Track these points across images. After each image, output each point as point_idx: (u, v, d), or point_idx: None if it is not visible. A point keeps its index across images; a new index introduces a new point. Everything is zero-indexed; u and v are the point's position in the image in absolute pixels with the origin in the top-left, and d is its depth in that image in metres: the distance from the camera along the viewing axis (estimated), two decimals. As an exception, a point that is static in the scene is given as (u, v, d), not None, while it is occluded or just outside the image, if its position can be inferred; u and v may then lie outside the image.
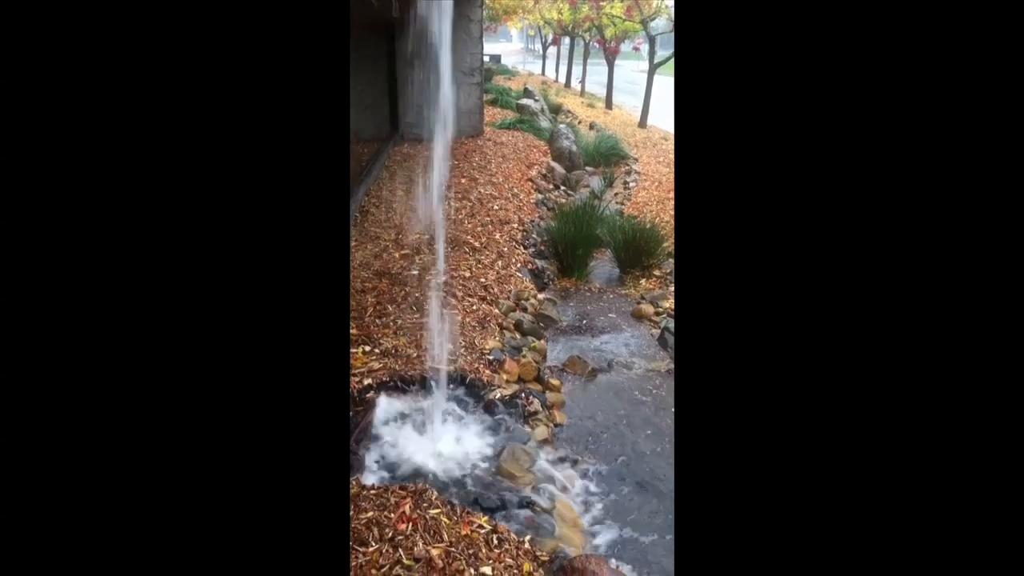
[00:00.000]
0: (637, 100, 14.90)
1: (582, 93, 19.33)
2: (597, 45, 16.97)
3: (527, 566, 2.29)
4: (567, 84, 21.50)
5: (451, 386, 3.46)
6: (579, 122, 13.25)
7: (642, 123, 13.47)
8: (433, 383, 3.40)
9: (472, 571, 2.16)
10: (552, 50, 25.90)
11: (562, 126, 10.73)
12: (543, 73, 25.89)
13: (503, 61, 27.32)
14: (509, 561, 2.28)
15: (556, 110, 13.87)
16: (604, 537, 2.78)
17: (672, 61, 13.13)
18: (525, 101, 11.98)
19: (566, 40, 22.12)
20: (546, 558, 2.36)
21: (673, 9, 13.30)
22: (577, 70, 20.97)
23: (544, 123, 11.15)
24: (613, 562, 2.52)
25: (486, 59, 13.36)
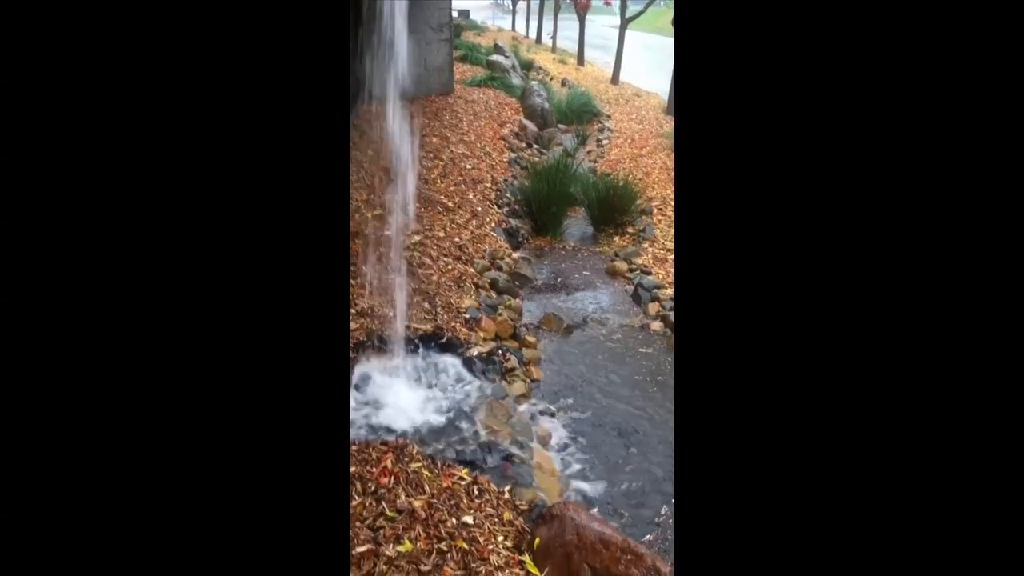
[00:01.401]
0: (609, 56, 14.74)
1: (553, 49, 19.05)
2: (568, 0, 16.68)
3: (507, 515, 2.36)
4: (538, 40, 21.16)
5: (428, 344, 3.49)
6: (551, 79, 13.10)
7: (614, 79, 13.37)
8: (410, 342, 3.43)
9: (454, 520, 2.23)
10: (522, 5, 25.40)
11: (534, 83, 10.61)
12: (513, 29, 25.41)
13: (472, 16, 26.74)
14: (490, 511, 2.35)
15: (527, 67, 13.68)
16: (581, 485, 2.87)
17: (643, 15, 13.00)
18: (496, 58, 11.79)
19: (536, -6, 21.71)
20: (525, 507, 2.44)
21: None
22: (548, 25, 20.62)
23: (516, 80, 11.01)
24: (591, 510, 2.61)
25: (455, 15, 13.08)
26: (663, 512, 2.75)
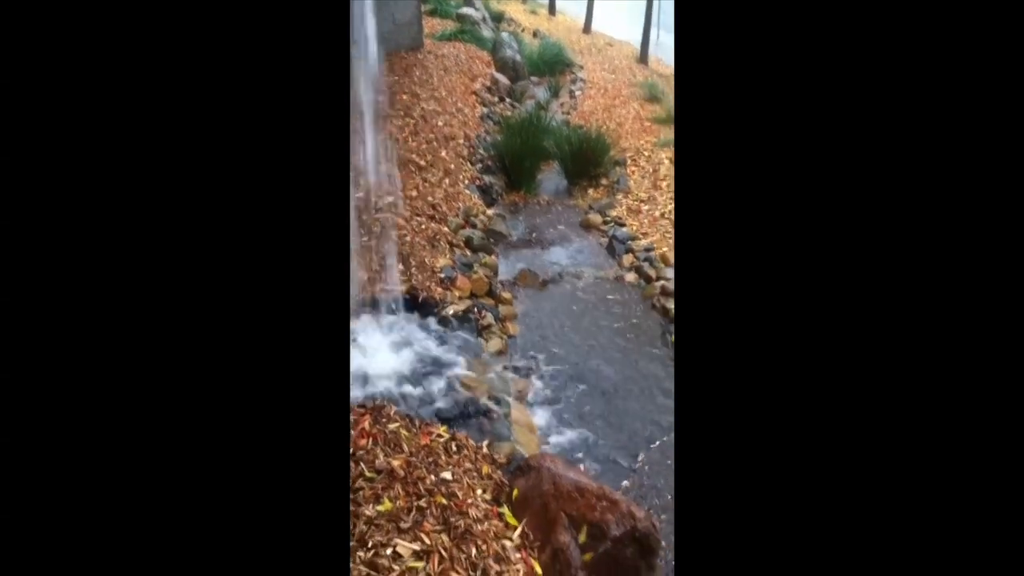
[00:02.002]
0: (580, 5, 14.46)
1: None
2: (537, -54, 16.24)
3: (485, 468, 2.40)
4: (509, -10, 20.68)
5: (404, 305, 3.49)
6: (522, 30, 12.83)
7: (586, 29, 13.13)
8: (386, 303, 3.43)
9: (433, 477, 2.26)
10: (491, -47, 24.73)
11: (505, 35, 10.39)
12: (483, -21, 24.80)
13: (440, -33, 25.98)
14: (468, 466, 2.40)
15: (498, 18, 13.37)
16: (557, 438, 2.92)
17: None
18: (465, 10, 11.50)
19: (505, -58, 21.11)
20: (503, 460, 2.48)
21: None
22: (518, -26, 20.12)
23: (486, 33, 10.77)
24: (567, 460, 2.67)
25: (421, -35, 12.69)
26: (639, 459, 2.82)
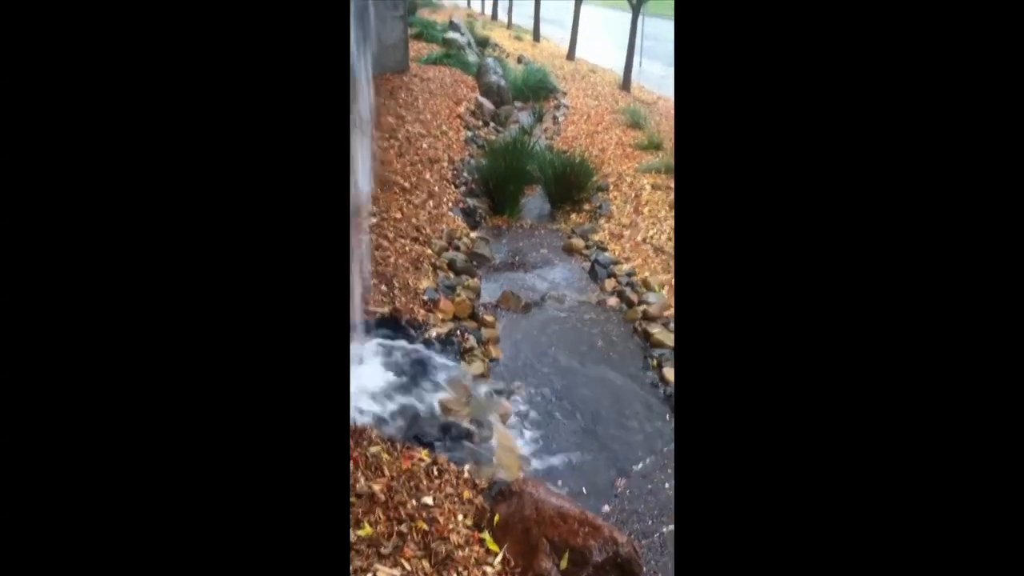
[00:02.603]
0: (564, 32, 14.67)
1: (509, 25, 18.88)
2: (522, -26, 16.50)
3: (467, 493, 2.39)
4: (493, 16, 20.93)
5: (387, 327, 3.48)
6: (507, 55, 13.00)
7: (570, 55, 13.32)
8: (369, 326, 3.42)
9: (414, 502, 2.25)
10: (477, -20, 25.07)
11: (490, 60, 10.51)
12: (468, 5, 25.08)
13: (427, -8, 26.27)
14: (450, 490, 2.38)
15: (483, 43, 13.54)
16: (540, 462, 2.92)
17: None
18: (451, 35, 11.64)
19: (491, -31, 21.44)
20: (485, 485, 2.47)
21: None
22: (503, 2, 20.41)
23: (471, 57, 10.90)
24: (549, 485, 2.66)
25: (408, -10, 12.84)
26: (619, 483, 2.81)
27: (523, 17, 19.25)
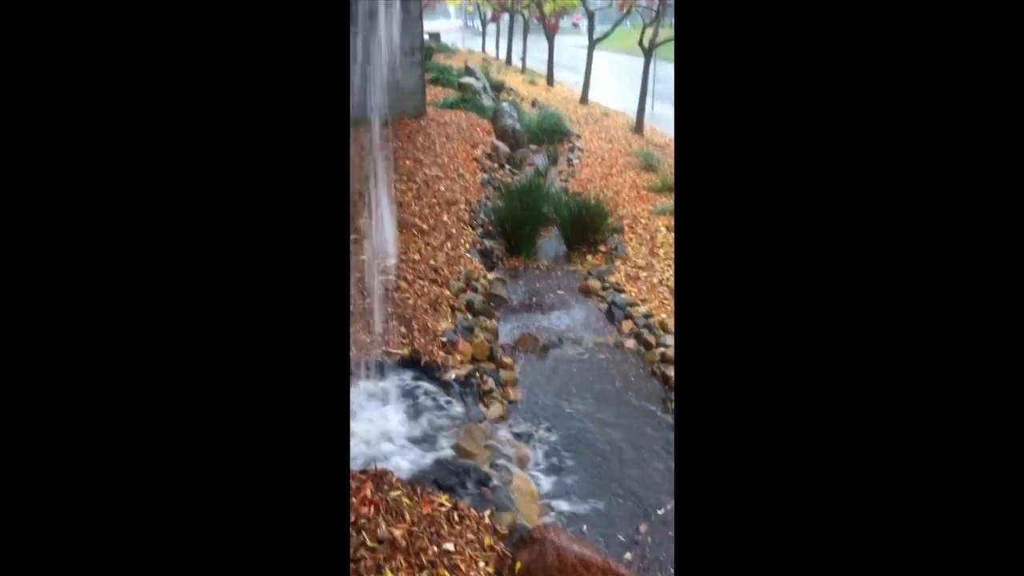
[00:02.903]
0: (578, 76, 14.95)
1: (523, 70, 19.27)
2: (537, 21, 16.91)
3: (487, 540, 2.36)
4: (508, 61, 21.38)
5: (406, 369, 3.49)
6: (521, 99, 13.24)
7: (583, 99, 13.54)
8: (387, 367, 3.43)
9: (435, 548, 2.22)
10: (491, 27, 25.66)
11: (505, 104, 10.71)
12: (483, 50, 25.64)
13: (443, 39, 26.93)
14: (470, 536, 2.35)
15: (498, 88, 13.81)
16: (561, 507, 2.88)
17: (611, 36, 13.23)
18: (467, 79, 11.89)
19: (505, 16, 21.96)
20: (506, 531, 2.44)
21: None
22: (517, 47, 20.87)
23: (487, 101, 11.11)
24: (570, 531, 2.62)
25: (426, 37, 13.19)
26: (642, 530, 2.77)
27: (537, 62, 19.65)
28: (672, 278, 5.11)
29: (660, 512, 2.87)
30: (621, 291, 5.04)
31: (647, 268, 5.38)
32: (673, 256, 5.49)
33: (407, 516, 2.34)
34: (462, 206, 6.00)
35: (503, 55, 22.61)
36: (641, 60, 10.65)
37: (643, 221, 6.39)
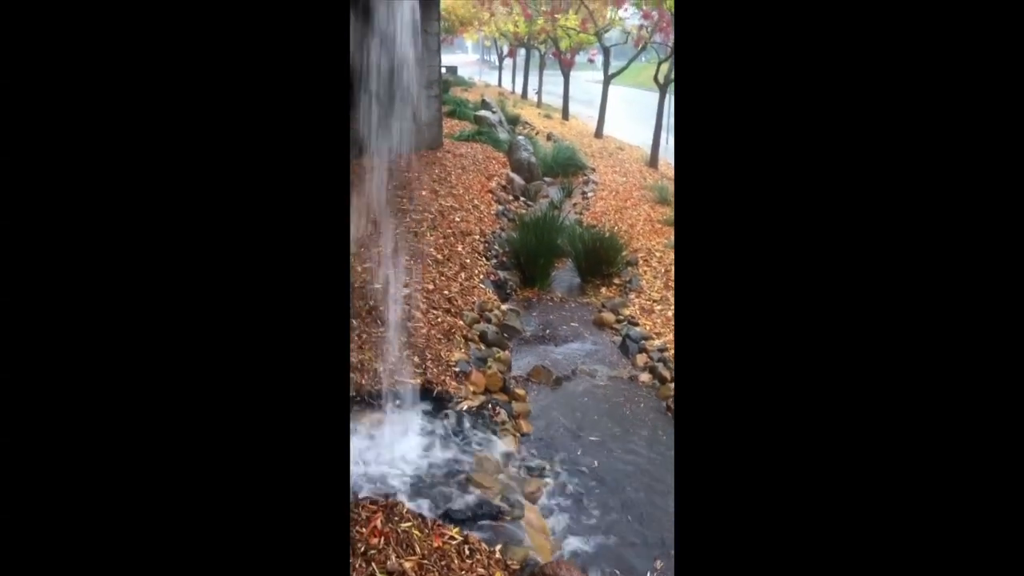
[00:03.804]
0: (593, 110, 15.13)
1: (539, 104, 19.53)
2: (553, 57, 17.18)
3: (498, 575, 2.32)
4: (524, 95, 21.69)
5: (418, 399, 3.48)
6: (536, 133, 13.39)
7: (598, 133, 13.68)
8: (400, 397, 3.41)
9: (445, 582, 2.19)
10: (508, 61, 26.10)
11: (520, 137, 10.83)
12: (499, 84, 26.05)
13: (460, 72, 27.40)
14: (481, 571, 2.32)
15: (514, 121, 13.99)
16: (573, 543, 2.83)
17: (626, 71, 13.39)
18: (483, 113, 12.06)
19: (522, 51, 22.34)
20: (517, 566, 2.40)
21: (626, 22, 13.58)
22: (533, 81, 21.18)
23: (502, 134, 11.24)
24: (584, 568, 2.57)
25: (443, 71, 13.42)
26: (657, 566, 2.71)
27: (552, 96, 19.91)
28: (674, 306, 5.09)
29: (673, 550, 2.81)
30: (635, 324, 5.02)
31: (661, 302, 5.36)
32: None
33: (417, 548, 2.30)
34: (477, 237, 6.03)
35: (519, 89, 22.95)
36: (656, 95, 10.76)
37: (657, 254, 6.39)
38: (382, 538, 2.31)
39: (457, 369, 3.77)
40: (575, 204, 8.69)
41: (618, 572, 2.68)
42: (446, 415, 3.41)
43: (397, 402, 3.38)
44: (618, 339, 4.92)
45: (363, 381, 3.45)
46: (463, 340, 4.15)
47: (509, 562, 2.41)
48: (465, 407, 3.47)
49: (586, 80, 28.69)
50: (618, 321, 5.17)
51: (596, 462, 3.42)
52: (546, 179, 9.78)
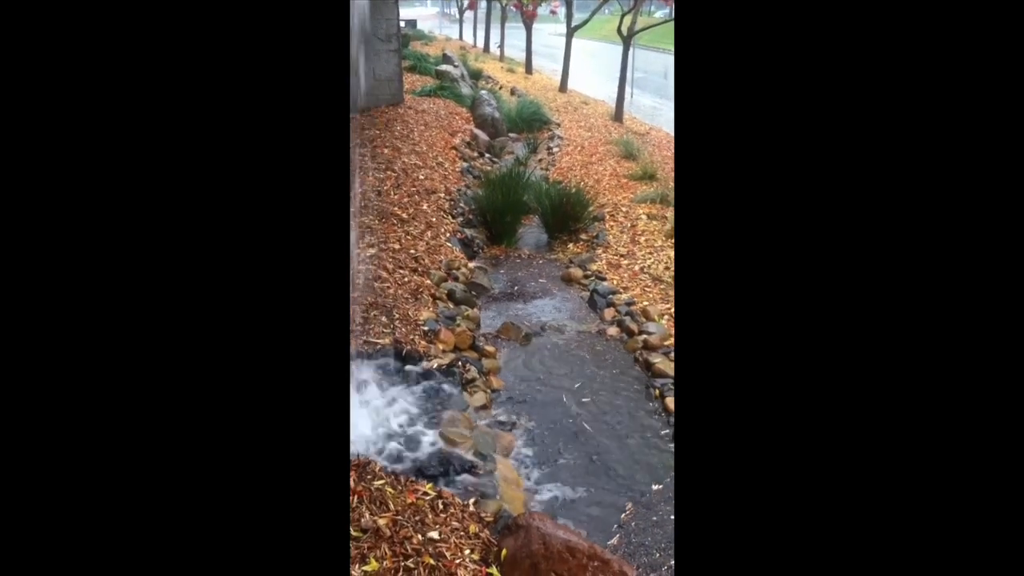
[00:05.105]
0: (556, 64, 14.91)
1: (501, 58, 19.17)
2: (514, 9, 16.81)
3: (473, 528, 2.35)
4: (486, 49, 21.25)
5: (388, 359, 3.46)
6: (500, 87, 13.17)
7: (562, 87, 13.51)
8: (370, 357, 3.40)
9: (420, 537, 2.21)
10: (469, 14, 25.48)
11: (484, 92, 10.65)
12: (461, 38, 25.45)
13: (419, 26, 26.69)
14: (455, 524, 2.35)
15: (476, 76, 13.73)
16: (545, 494, 2.88)
17: (589, 24, 13.19)
18: (444, 67, 11.79)
19: (483, 4, 21.81)
20: (491, 519, 2.44)
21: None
22: (495, 34, 20.74)
23: (465, 89, 11.03)
24: (556, 518, 2.62)
25: (402, 25, 13.05)
26: (627, 510, 2.78)
27: (515, 50, 19.57)
28: (653, 265, 5.13)
29: (643, 498, 2.88)
30: (603, 279, 5.05)
31: (628, 256, 5.39)
32: (653, 244, 5.51)
33: (391, 505, 2.32)
34: (442, 195, 5.96)
35: (481, 43, 22.48)
36: (620, 48, 10.64)
37: (624, 209, 6.40)
38: (355, 496, 2.32)
39: (426, 328, 3.76)
40: (540, 160, 8.62)
41: (590, 516, 2.74)
42: (416, 374, 3.41)
43: (367, 361, 3.37)
44: (586, 294, 4.95)
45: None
46: (431, 299, 4.13)
47: (483, 515, 2.45)
48: (435, 365, 3.47)
49: (549, 33, 28.21)
50: (586, 276, 5.20)
51: (566, 415, 3.46)
52: (511, 135, 9.67)
